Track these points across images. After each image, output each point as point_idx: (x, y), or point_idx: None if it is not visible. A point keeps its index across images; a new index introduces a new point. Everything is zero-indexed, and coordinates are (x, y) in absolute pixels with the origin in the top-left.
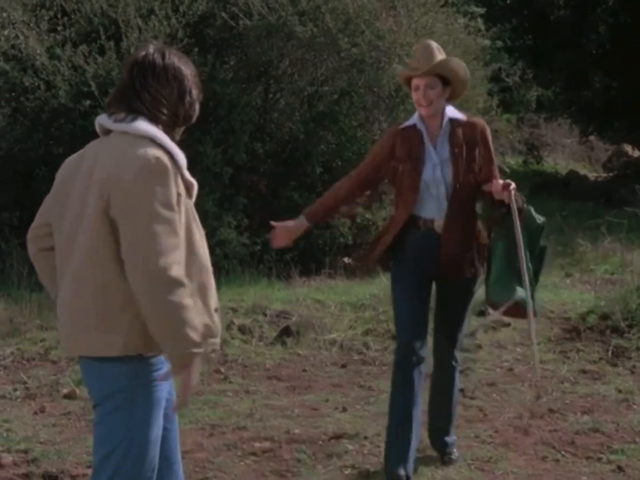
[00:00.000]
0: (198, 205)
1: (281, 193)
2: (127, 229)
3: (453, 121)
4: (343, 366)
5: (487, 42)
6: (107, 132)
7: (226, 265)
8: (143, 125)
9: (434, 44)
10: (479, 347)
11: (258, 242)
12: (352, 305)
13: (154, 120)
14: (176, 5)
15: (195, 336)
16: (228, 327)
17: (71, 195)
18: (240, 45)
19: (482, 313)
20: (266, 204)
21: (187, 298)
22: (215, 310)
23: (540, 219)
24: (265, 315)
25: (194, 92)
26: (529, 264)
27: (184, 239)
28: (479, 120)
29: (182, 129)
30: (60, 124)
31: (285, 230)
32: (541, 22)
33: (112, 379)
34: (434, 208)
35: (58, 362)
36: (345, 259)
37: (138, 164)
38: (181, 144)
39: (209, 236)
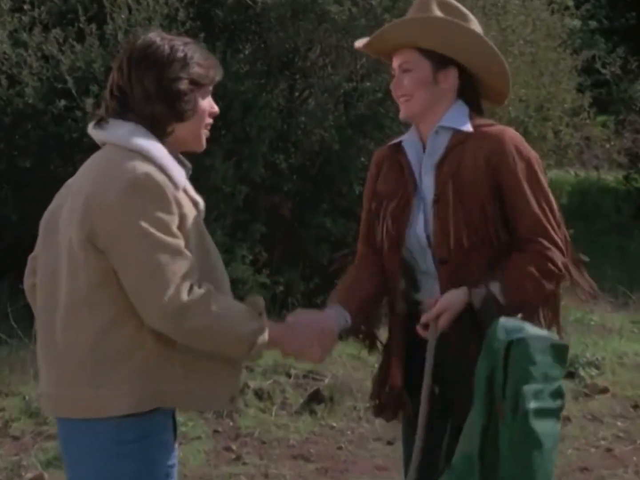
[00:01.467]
0: None
1: (309, 219)
2: (122, 264)
3: (450, 133)
4: (389, 443)
5: (576, 22)
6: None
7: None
8: (129, 135)
9: None
10: (568, 419)
11: (280, 282)
12: None
13: (139, 123)
14: None
15: (246, 338)
16: (242, 391)
17: (59, 223)
18: (258, 29)
19: None
20: (290, 233)
21: (211, 305)
22: None
23: (509, 335)
24: (289, 376)
25: (178, 82)
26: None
27: (197, 264)
28: (501, 133)
29: (193, 131)
30: (27, 131)
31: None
32: None
33: (105, 445)
34: (427, 292)
35: (21, 437)
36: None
37: (122, 183)
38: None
39: None
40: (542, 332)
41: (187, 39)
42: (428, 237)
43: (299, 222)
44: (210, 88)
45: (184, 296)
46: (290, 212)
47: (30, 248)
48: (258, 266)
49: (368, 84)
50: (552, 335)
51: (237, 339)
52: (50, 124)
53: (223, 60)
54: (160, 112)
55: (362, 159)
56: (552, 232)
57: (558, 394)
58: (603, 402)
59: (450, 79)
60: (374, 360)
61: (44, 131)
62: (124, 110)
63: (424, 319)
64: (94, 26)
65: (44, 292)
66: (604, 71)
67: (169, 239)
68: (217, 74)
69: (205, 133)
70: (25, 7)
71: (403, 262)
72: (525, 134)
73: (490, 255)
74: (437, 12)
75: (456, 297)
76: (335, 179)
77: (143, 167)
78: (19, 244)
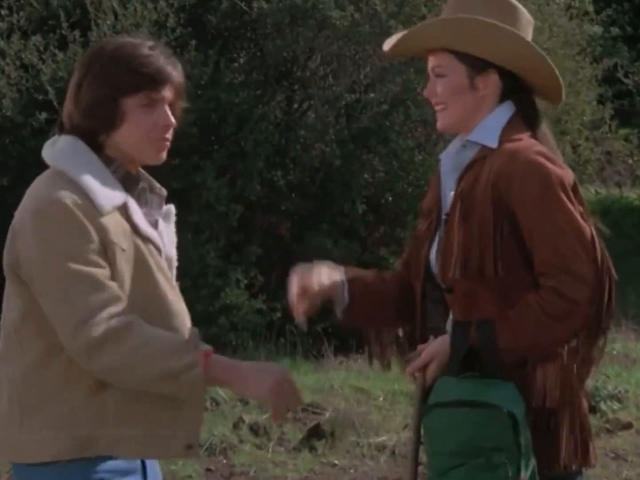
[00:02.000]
0: (194, 256)
1: (309, 240)
2: (38, 295)
3: (478, 147)
4: None
5: (597, 29)
6: None
7: (234, 340)
8: (60, 152)
9: None
10: None
11: (277, 308)
12: (408, 396)
13: (79, 135)
14: None
15: (172, 373)
16: (236, 425)
17: None
18: (253, 36)
19: None
20: (289, 255)
21: (128, 339)
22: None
23: (433, 398)
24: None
25: (95, 87)
26: None
27: (131, 295)
28: (516, 150)
29: (131, 141)
30: (5, 145)
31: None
32: None
33: None
34: (441, 323)
35: None
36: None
37: (30, 210)
38: (173, 173)
39: (210, 299)
40: (484, 396)
41: (148, 42)
42: (437, 264)
43: (297, 243)
44: (159, 96)
45: (95, 331)
46: (288, 232)
47: None
48: (254, 291)
49: (372, 95)
50: (503, 401)
51: (161, 374)
52: (30, 138)
53: (216, 69)
54: (81, 121)
55: (366, 175)
56: (573, 264)
57: (492, 466)
58: (626, 438)
59: (490, 84)
60: (378, 393)
61: (22, 146)
62: (67, 125)
63: (409, 369)
64: (77, 33)
65: None
66: (626, 81)
67: (81, 268)
68: (164, 84)
69: (156, 144)
70: (3, 12)
71: (424, 289)
72: None
73: (498, 290)
74: (475, 7)
75: (444, 344)
76: (337, 197)
77: (53, 191)
78: None
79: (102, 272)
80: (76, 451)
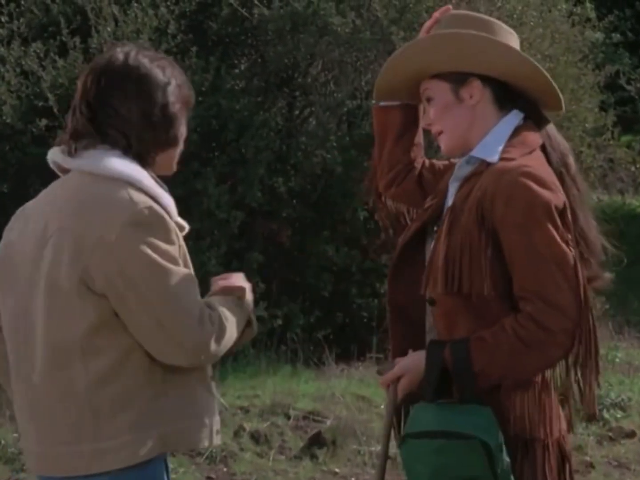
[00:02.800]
0: (195, 263)
1: (310, 247)
2: (133, 305)
3: (474, 164)
4: None
5: (599, 35)
6: (66, 170)
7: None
8: (113, 163)
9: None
10: (591, 466)
11: (278, 315)
12: None
13: (118, 147)
14: None
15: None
16: (236, 433)
17: (19, 258)
18: (254, 43)
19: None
20: (290, 262)
21: (226, 324)
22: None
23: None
24: (288, 417)
25: (172, 106)
26: None
27: None
28: (505, 170)
29: (171, 157)
30: (5, 152)
31: None
32: None
33: None
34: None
35: None
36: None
37: (123, 220)
38: (173, 180)
39: None
40: (456, 424)
41: (157, 54)
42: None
43: (298, 250)
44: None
45: (212, 323)
46: (289, 239)
47: None
48: (254, 298)
49: (373, 101)
50: (471, 429)
51: (241, 328)
52: (30, 145)
53: (217, 76)
54: (149, 138)
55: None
56: (551, 292)
57: None
58: (629, 447)
59: (475, 92)
60: (380, 401)
61: (23, 153)
62: (98, 134)
63: (381, 380)
64: (77, 39)
65: (14, 339)
66: (628, 88)
67: (179, 269)
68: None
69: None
70: (3, 19)
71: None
72: None
73: (479, 309)
74: (454, 26)
75: (419, 360)
76: (338, 204)
77: (140, 198)
78: None
79: (190, 271)
80: (157, 449)
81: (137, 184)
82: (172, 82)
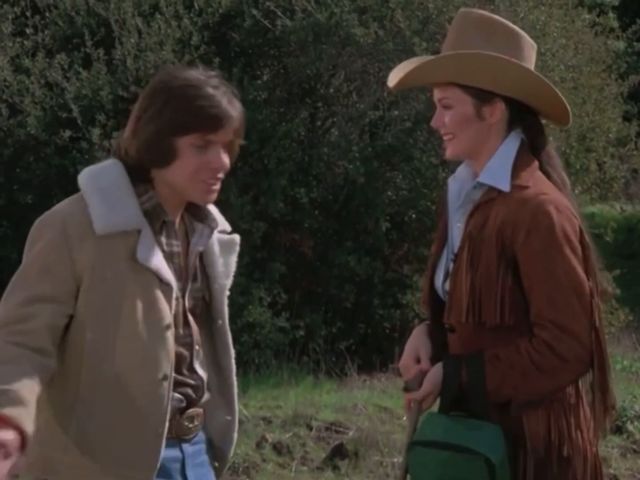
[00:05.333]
0: None
1: (332, 258)
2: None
3: (483, 189)
4: None
5: (622, 45)
6: None
7: (257, 358)
8: (86, 170)
9: (486, 17)
10: (615, 478)
11: (300, 326)
12: None
13: (127, 163)
14: (190, 0)
15: None
16: (258, 444)
17: None
18: (277, 54)
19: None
20: (312, 273)
21: None
22: (158, 434)
23: (417, 436)
24: (310, 428)
25: (172, 106)
26: None
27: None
28: (525, 199)
29: (188, 180)
30: (29, 163)
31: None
32: None
33: None
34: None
35: None
36: None
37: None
38: None
39: (233, 317)
40: (462, 438)
41: (213, 80)
42: (444, 294)
43: (320, 261)
44: (214, 138)
45: None
46: (311, 250)
47: None
48: (277, 309)
49: (396, 112)
50: (478, 444)
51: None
52: (54, 156)
53: (239, 86)
54: (136, 153)
55: (389, 193)
56: (568, 319)
57: None
58: None
59: (497, 113)
60: (402, 412)
61: (46, 164)
62: (119, 150)
63: (408, 397)
64: (101, 51)
65: None
66: None
67: (29, 279)
68: (219, 124)
69: (205, 186)
70: (28, 31)
71: (434, 317)
72: (567, 166)
73: (501, 336)
74: (476, 38)
75: (440, 375)
76: (360, 215)
77: (55, 209)
78: None
79: (36, 284)
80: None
81: (84, 195)
82: (162, 99)
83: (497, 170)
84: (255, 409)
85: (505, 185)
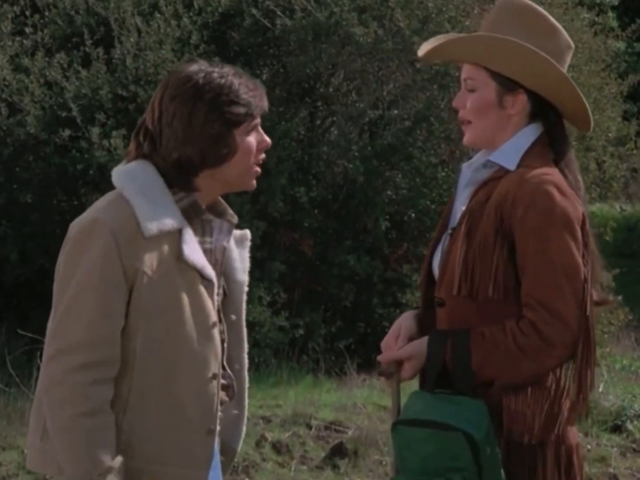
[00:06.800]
0: None
1: (332, 257)
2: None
3: (494, 168)
4: None
5: (622, 45)
6: None
7: (256, 357)
8: (119, 171)
9: (523, 4)
10: (615, 477)
11: (300, 325)
12: None
13: (167, 167)
14: None
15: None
16: (258, 443)
17: None
18: (277, 53)
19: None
20: (311, 272)
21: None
22: (210, 431)
23: (402, 414)
24: (309, 427)
25: (227, 109)
26: None
27: (123, 325)
28: (527, 176)
29: (246, 168)
30: (28, 162)
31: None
32: None
33: None
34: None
35: None
36: None
37: (74, 228)
38: None
39: None
40: (447, 416)
41: (228, 69)
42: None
43: (320, 260)
44: (257, 121)
45: (64, 363)
46: (311, 249)
47: (32, 289)
48: (276, 308)
49: (395, 111)
50: (459, 422)
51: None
52: (53, 155)
53: None
54: (188, 157)
55: (389, 192)
56: (557, 302)
57: None
58: None
59: (518, 104)
60: None
61: (46, 163)
62: (148, 151)
63: (383, 358)
64: (100, 50)
65: None
66: None
67: (94, 283)
68: (260, 106)
69: (254, 171)
70: (27, 30)
71: (427, 296)
72: None
73: (490, 312)
74: (515, 25)
75: (422, 348)
76: (360, 214)
77: (100, 210)
78: (19, 285)
79: (110, 295)
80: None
81: (125, 194)
82: (210, 98)
83: (508, 152)
84: (255, 408)
85: (511, 165)
